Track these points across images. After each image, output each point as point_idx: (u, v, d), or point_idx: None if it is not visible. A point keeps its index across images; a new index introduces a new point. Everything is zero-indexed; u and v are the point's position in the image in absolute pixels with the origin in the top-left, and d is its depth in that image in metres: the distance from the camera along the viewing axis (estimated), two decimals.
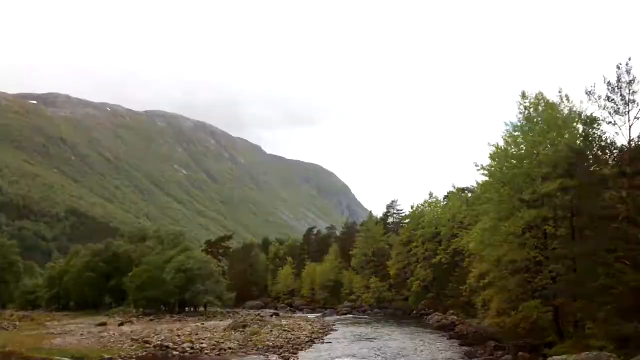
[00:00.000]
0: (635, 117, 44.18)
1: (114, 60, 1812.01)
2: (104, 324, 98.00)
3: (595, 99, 45.44)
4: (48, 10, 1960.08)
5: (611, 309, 40.22)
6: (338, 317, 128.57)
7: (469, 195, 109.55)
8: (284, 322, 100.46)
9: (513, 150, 60.97)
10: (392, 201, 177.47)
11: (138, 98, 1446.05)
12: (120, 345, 66.59)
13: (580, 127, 54.25)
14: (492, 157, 62.88)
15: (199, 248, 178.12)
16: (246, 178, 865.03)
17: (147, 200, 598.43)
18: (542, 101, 59.48)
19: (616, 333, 38.37)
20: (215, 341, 69.62)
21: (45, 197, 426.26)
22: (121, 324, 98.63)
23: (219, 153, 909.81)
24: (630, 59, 43.83)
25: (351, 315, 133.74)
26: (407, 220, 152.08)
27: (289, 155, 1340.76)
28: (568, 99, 59.09)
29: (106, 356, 56.31)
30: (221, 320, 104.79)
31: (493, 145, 62.93)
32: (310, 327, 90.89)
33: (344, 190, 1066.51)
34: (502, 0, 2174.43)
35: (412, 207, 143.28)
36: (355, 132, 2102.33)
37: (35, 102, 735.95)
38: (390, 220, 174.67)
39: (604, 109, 45.26)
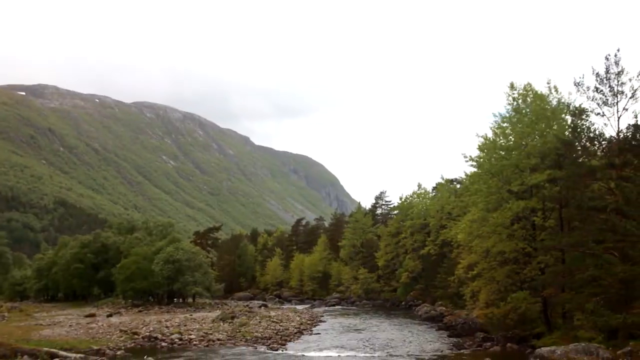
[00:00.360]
0: (624, 108, 44.20)
1: (103, 52, 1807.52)
2: (92, 315, 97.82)
3: (584, 90, 45.45)
4: (36, 1, 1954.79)
5: (599, 300, 40.26)
6: (326, 308, 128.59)
7: (458, 186, 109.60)
8: (272, 313, 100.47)
9: (501, 141, 60.93)
10: (381, 192, 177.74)
11: (126, 89, 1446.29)
12: (108, 337, 66.52)
13: (569, 118, 54.23)
14: (480, 148, 62.86)
15: (187, 239, 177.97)
16: (234, 169, 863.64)
17: (135, 191, 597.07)
18: (530, 92, 59.48)
19: (604, 324, 38.43)
20: (204, 332, 69.55)
21: (34, 188, 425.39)
22: (110, 315, 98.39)
23: (207, 144, 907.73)
24: (618, 50, 43.86)
25: (339, 306, 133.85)
26: (395, 212, 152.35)
27: (277, 146, 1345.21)
28: (556, 90, 59.18)
29: (95, 347, 56.19)
30: (209, 312, 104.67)
31: (481, 137, 63.02)
32: (298, 318, 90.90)
33: (333, 181, 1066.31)
34: None
35: (400, 198, 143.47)
36: (344, 123, 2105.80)
37: (23, 93, 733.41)
38: (379, 211, 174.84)
39: (592, 100, 45.29)
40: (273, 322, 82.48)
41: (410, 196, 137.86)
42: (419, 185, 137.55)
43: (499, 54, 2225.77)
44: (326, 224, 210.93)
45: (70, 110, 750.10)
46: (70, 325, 79.82)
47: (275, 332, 71.43)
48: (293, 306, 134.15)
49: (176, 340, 63.88)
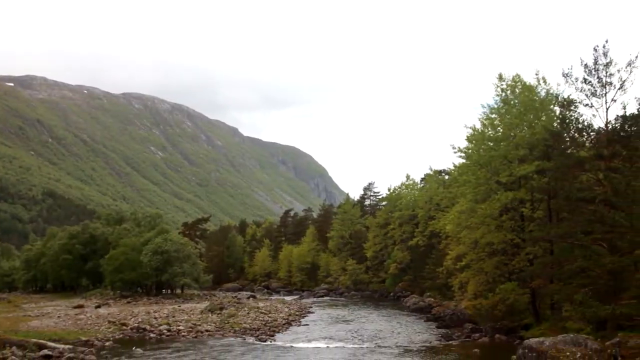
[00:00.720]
0: (612, 100, 44.16)
1: (91, 43, 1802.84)
2: (80, 306, 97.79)
3: (572, 82, 45.35)
4: None
5: (588, 291, 40.29)
6: (315, 299, 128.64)
7: (446, 177, 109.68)
8: (260, 304, 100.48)
9: (490, 132, 60.93)
10: (369, 183, 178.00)
11: (115, 80, 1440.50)
12: (97, 328, 66.52)
13: (557, 110, 54.22)
14: (469, 139, 62.84)
15: (176, 230, 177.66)
16: (223, 160, 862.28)
17: (123, 182, 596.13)
18: (519, 83, 59.46)
19: (593, 315, 38.47)
20: (192, 323, 69.53)
21: (22, 179, 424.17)
22: (98, 306, 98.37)
23: (196, 135, 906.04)
24: (607, 42, 43.81)
25: (328, 298, 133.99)
26: (384, 203, 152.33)
27: (265, 138, 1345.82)
28: (545, 81, 59.21)
29: (83, 338, 56.11)
30: (198, 303, 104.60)
31: (470, 128, 63.01)
32: (287, 309, 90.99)
33: (321, 173, 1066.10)
34: None
35: (389, 189, 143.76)
36: (333, 114, 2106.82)
37: (11, 84, 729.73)
38: (367, 202, 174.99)
39: (580, 91, 45.20)
40: (261, 313, 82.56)
41: (399, 187, 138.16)
42: (408, 177, 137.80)
43: (487, 45, 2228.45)
44: (314, 215, 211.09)
45: (58, 101, 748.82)
46: (58, 317, 79.78)
47: (263, 323, 71.50)
48: (281, 297, 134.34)
49: (165, 331, 63.83)
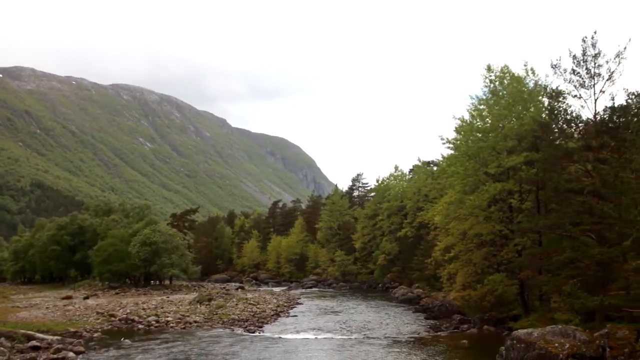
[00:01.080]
0: (601, 91, 44.12)
1: (80, 34, 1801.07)
2: (69, 297, 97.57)
3: (561, 72, 45.29)
4: None
5: (576, 282, 40.25)
6: (303, 290, 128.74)
7: (435, 168, 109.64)
8: (249, 295, 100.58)
9: (478, 123, 60.90)
10: (358, 174, 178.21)
11: (103, 71, 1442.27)
12: (85, 319, 66.36)
13: (546, 101, 54.11)
14: (457, 131, 62.81)
15: (164, 221, 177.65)
16: (211, 151, 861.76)
17: (112, 174, 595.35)
18: (507, 74, 59.41)
19: (581, 306, 38.44)
20: (181, 314, 69.47)
21: (10, 170, 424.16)
22: (86, 297, 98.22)
23: (184, 126, 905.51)
24: (595, 32, 43.75)
25: (316, 289, 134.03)
26: (372, 194, 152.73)
27: (254, 129, 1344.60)
28: (533, 72, 59.23)
29: (71, 329, 55.94)
30: (186, 294, 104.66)
31: (458, 119, 62.86)
32: (275, 301, 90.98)
33: (310, 163, 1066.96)
34: None
35: (377, 181, 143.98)
36: (321, 105, 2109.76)
37: (0, 75, 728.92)
38: (356, 193, 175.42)
39: (569, 82, 45.13)
40: (250, 304, 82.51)
41: (387, 178, 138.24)
42: (396, 168, 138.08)
43: (476, 36, 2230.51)
44: (303, 206, 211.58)
45: (47, 92, 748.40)
46: (47, 308, 79.64)
47: (252, 314, 71.42)
48: (270, 288, 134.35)
49: (153, 322, 63.71)
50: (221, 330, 58.98)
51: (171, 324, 62.86)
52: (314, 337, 53.55)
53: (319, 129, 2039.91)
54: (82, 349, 45.71)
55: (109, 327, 61.23)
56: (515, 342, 36.94)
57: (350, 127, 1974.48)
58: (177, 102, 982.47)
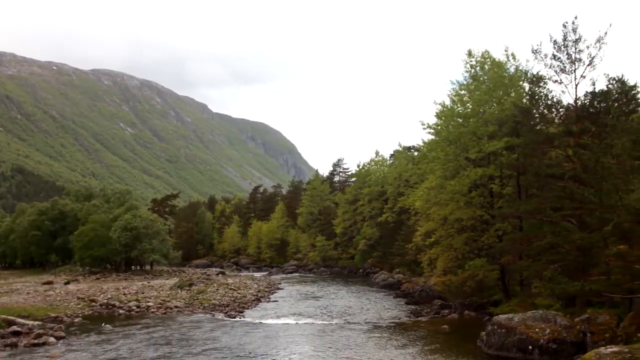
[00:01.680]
0: (581, 76, 44.24)
1: (60, 19, 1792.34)
2: (50, 283, 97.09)
3: (542, 58, 45.37)
4: None
5: (557, 268, 40.34)
6: (284, 275, 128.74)
7: (415, 153, 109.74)
8: (230, 280, 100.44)
9: (459, 108, 60.86)
10: (338, 159, 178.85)
11: (84, 56, 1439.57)
12: (66, 304, 65.96)
13: (526, 86, 54.05)
14: (438, 116, 62.74)
15: (145, 206, 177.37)
16: (192, 136, 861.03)
17: (93, 159, 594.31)
18: (488, 60, 59.38)
19: (562, 291, 38.54)
20: (162, 300, 69.28)
21: None
22: (67, 283, 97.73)
23: (165, 111, 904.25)
24: (576, 18, 43.82)
25: (297, 274, 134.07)
26: (353, 179, 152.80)
27: (235, 114, 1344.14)
28: (514, 58, 59.26)
29: (52, 314, 55.68)
30: (167, 279, 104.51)
31: (439, 104, 62.85)
32: (256, 286, 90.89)
33: (290, 149, 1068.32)
34: None
35: (358, 166, 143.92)
36: (302, 90, 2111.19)
37: None
38: (337, 178, 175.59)
39: (550, 67, 45.23)
40: (231, 289, 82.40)
41: (368, 163, 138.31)
42: (377, 153, 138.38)
43: (457, 21, 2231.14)
44: (284, 191, 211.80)
45: (27, 77, 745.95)
46: (27, 293, 79.11)
47: (232, 299, 71.30)
48: (251, 273, 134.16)
49: (134, 307, 63.52)
50: (202, 315, 58.84)
51: (152, 309, 62.65)
52: (294, 322, 53.50)
53: (300, 114, 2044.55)
54: (62, 334, 45.51)
55: (90, 312, 60.97)
56: (496, 327, 37.03)
57: (331, 112, 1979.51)
58: (158, 88, 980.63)
